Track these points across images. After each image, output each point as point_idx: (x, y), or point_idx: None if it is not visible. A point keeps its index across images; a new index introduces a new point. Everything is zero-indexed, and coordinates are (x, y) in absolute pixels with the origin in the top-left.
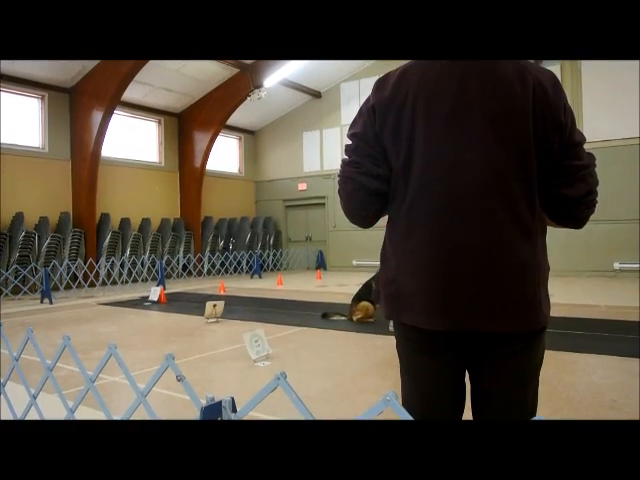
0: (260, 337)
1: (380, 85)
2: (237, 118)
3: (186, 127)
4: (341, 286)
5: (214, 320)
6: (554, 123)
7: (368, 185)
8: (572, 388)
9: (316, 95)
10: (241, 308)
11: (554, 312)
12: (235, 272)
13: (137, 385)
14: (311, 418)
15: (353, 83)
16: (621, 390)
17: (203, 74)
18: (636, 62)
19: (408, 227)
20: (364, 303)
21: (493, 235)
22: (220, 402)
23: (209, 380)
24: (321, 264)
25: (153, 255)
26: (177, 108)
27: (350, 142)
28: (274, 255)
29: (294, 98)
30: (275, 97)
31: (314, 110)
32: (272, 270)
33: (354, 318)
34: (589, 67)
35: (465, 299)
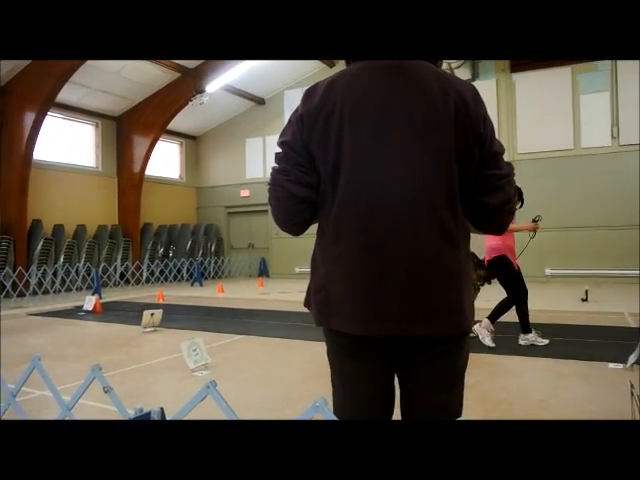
0: (198, 346)
1: (309, 95)
2: (178, 123)
3: (125, 131)
4: (283, 293)
5: (152, 329)
6: (475, 134)
7: (297, 193)
8: (503, 390)
9: (260, 102)
10: (180, 317)
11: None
12: (175, 280)
13: (62, 398)
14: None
15: (297, 91)
16: (549, 390)
17: (143, 77)
18: (568, 72)
19: (336, 235)
20: None
21: (418, 242)
22: (149, 413)
23: (144, 391)
24: (263, 271)
25: (88, 263)
26: (115, 111)
27: (280, 150)
28: (215, 262)
29: (237, 104)
30: (218, 103)
31: (257, 117)
32: (213, 278)
33: None
34: (522, 80)
35: (391, 305)
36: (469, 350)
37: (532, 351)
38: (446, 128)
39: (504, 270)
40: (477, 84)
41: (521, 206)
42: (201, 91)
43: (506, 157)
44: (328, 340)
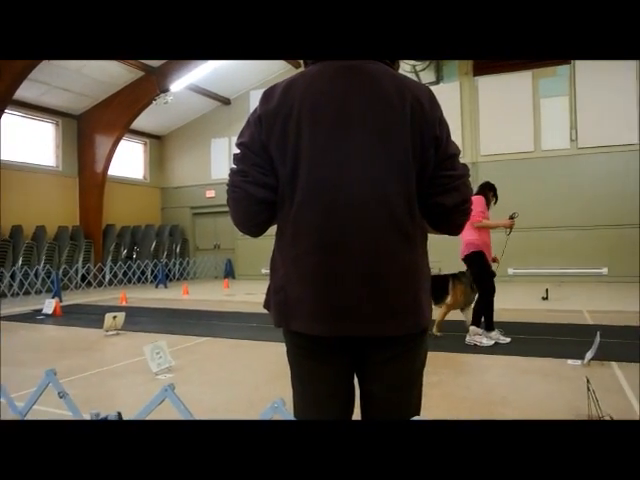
0: (162, 349)
1: (267, 96)
2: (142, 122)
3: (87, 130)
4: (249, 295)
5: (114, 332)
6: (430, 136)
7: (255, 194)
8: (466, 388)
9: (225, 102)
10: (144, 319)
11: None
12: (139, 282)
13: (15, 405)
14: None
15: (262, 91)
16: (511, 387)
17: (105, 75)
18: (529, 76)
19: (295, 235)
20: None
21: (376, 242)
22: (105, 418)
23: (105, 396)
24: (229, 273)
25: (48, 265)
26: (77, 110)
27: (238, 151)
28: (180, 264)
29: (202, 104)
30: (183, 102)
31: (223, 117)
32: (178, 279)
33: None
34: (485, 83)
35: (349, 304)
36: (427, 349)
37: (495, 349)
38: (403, 130)
39: (479, 266)
40: (441, 87)
41: (495, 202)
42: (165, 90)
43: (469, 159)
44: (287, 341)
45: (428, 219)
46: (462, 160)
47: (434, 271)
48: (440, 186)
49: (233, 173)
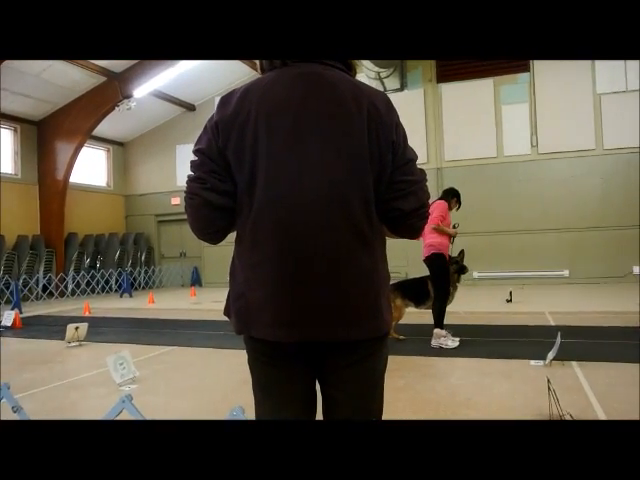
0: (125, 359)
1: (224, 103)
2: (105, 129)
3: (47, 136)
4: (216, 302)
5: (76, 344)
6: (387, 141)
7: (214, 201)
8: (432, 391)
9: (190, 108)
10: (107, 330)
11: (418, 320)
12: (103, 292)
13: None
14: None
15: None
16: (475, 389)
17: (65, 80)
18: (490, 84)
19: (254, 242)
20: (405, 302)
21: (334, 247)
22: None
23: (67, 409)
24: (196, 281)
25: (7, 276)
26: (36, 116)
27: (195, 158)
28: (146, 272)
29: (167, 110)
30: (146, 108)
31: (188, 123)
32: (144, 288)
33: None
34: (448, 90)
35: (309, 310)
36: (388, 353)
37: (460, 352)
38: (360, 136)
39: (440, 267)
40: (406, 94)
41: (458, 208)
42: (128, 96)
43: (434, 164)
44: (248, 348)
45: (387, 224)
46: (427, 166)
47: (401, 276)
48: (398, 191)
49: (190, 180)
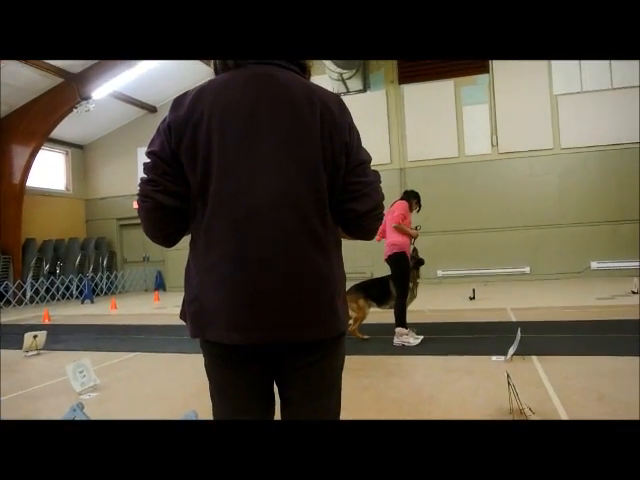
0: (85, 367)
1: (177, 104)
2: (63, 131)
3: (2, 139)
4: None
5: (35, 353)
6: (341, 143)
7: (167, 203)
8: (396, 389)
9: (151, 110)
10: (68, 337)
11: (383, 319)
12: (64, 299)
13: None
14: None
15: None
16: (438, 386)
17: (21, 81)
18: (451, 85)
19: (208, 244)
20: (368, 302)
21: (289, 249)
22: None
23: (26, 419)
24: (160, 285)
25: None
26: None
27: (148, 160)
28: (108, 278)
29: (127, 112)
30: (106, 110)
31: (149, 125)
32: (106, 294)
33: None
34: (410, 91)
35: (264, 312)
36: (345, 353)
37: (423, 350)
38: (313, 137)
39: (402, 266)
40: (368, 95)
41: (419, 210)
42: (87, 97)
43: (397, 165)
44: (204, 352)
45: (341, 225)
46: (390, 167)
47: (367, 276)
48: (352, 192)
49: (143, 183)
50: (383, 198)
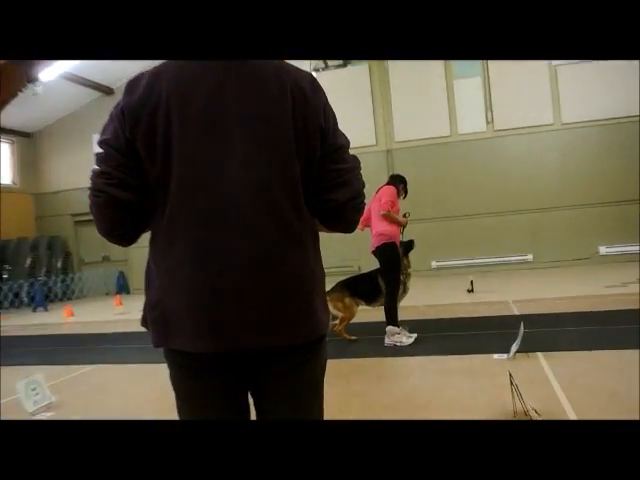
0: (39, 384)
1: (131, 87)
2: (7, 118)
3: None
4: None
5: None
6: (315, 126)
7: (122, 198)
8: (388, 395)
9: (107, 92)
10: (18, 351)
11: (372, 317)
12: (13, 306)
13: None
14: None
15: None
16: (434, 390)
17: None
18: (441, 62)
19: (170, 243)
20: (356, 300)
21: (260, 247)
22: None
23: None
24: (122, 288)
25: None
26: None
27: (101, 150)
28: (63, 281)
29: (81, 94)
30: (56, 93)
31: (105, 109)
32: (61, 300)
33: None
34: (396, 66)
35: (233, 316)
36: (326, 357)
37: (417, 349)
38: (283, 120)
39: (392, 258)
40: (350, 70)
41: (405, 196)
42: (33, 80)
43: (383, 146)
44: (169, 362)
45: (319, 217)
46: (375, 148)
47: (354, 271)
48: (329, 181)
49: (95, 175)
50: (364, 186)
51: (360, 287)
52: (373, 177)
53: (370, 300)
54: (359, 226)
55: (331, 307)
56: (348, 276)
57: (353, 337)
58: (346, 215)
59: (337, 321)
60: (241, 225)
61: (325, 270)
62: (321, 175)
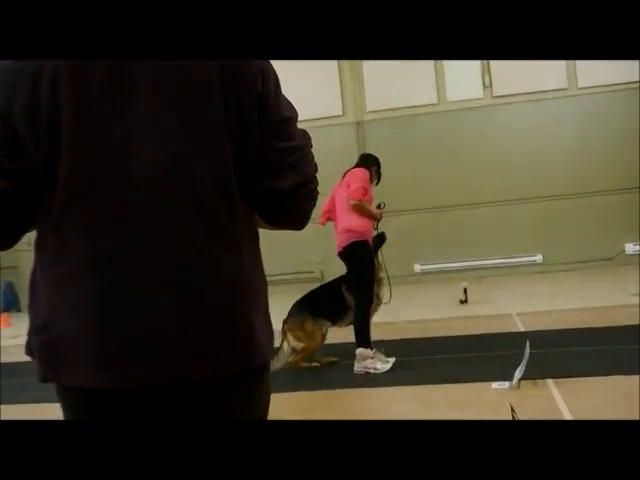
0: None
1: None
2: None
3: None
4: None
5: None
6: (249, 93)
7: None
8: None
9: None
10: None
11: (337, 338)
12: None
13: None
14: None
15: None
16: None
17: None
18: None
19: (60, 246)
20: (319, 322)
21: (179, 248)
22: None
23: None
24: (11, 304)
25: None
26: None
27: None
28: None
29: None
30: None
31: None
32: None
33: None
34: None
35: (144, 340)
36: (270, 391)
37: (396, 378)
38: (209, 89)
39: (364, 260)
40: None
41: (377, 183)
42: None
43: (352, 117)
44: (61, 403)
45: (258, 211)
46: (343, 120)
47: (315, 278)
48: (270, 163)
49: None
50: (316, 169)
51: (322, 304)
52: (340, 156)
53: (335, 319)
54: (320, 219)
55: (291, 338)
56: (310, 284)
57: (314, 364)
58: (292, 208)
59: (303, 345)
60: (153, 222)
61: (280, 277)
62: (259, 156)
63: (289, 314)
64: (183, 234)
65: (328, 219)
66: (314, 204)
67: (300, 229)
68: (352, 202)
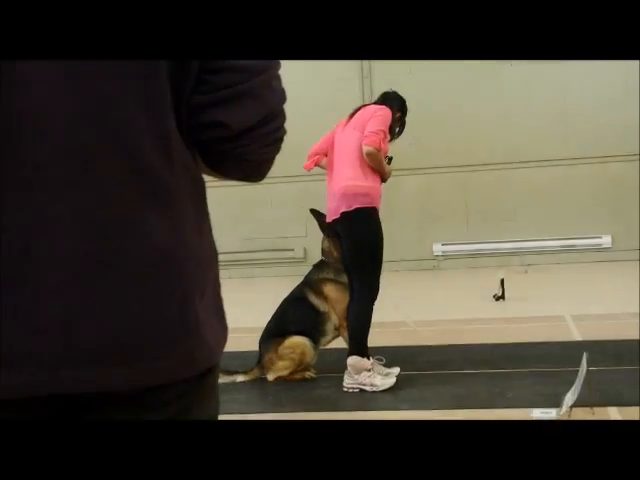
0: None
1: None
2: None
3: None
4: None
5: None
6: None
7: None
8: None
9: None
10: None
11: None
12: None
13: None
14: None
15: None
16: None
17: None
18: None
19: None
20: (293, 340)
21: (96, 208)
22: None
23: None
24: None
25: None
26: None
27: None
28: None
29: None
30: None
31: None
32: None
33: (270, 376)
34: None
35: (51, 335)
36: (218, 401)
37: (403, 397)
38: None
39: (372, 234)
40: None
41: (400, 132)
42: None
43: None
44: None
45: (202, 154)
46: None
47: (297, 257)
48: (217, 90)
49: None
50: (284, 99)
51: (301, 319)
52: (336, 92)
53: (314, 335)
54: (306, 162)
55: (271, 370)
56: (288, 267)
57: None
58: (251, 150)
59: (284, 372)
60: (66, 172)
61: (255, 255)
62: (203, 80)
63: (261, 341)
64: (107, 199)
65: (317, 165)
66: (277, 148)
67: (257, 181)
68: (367, 148)
